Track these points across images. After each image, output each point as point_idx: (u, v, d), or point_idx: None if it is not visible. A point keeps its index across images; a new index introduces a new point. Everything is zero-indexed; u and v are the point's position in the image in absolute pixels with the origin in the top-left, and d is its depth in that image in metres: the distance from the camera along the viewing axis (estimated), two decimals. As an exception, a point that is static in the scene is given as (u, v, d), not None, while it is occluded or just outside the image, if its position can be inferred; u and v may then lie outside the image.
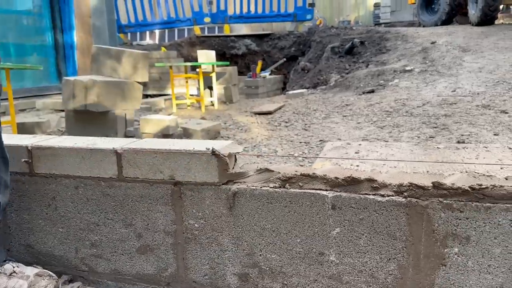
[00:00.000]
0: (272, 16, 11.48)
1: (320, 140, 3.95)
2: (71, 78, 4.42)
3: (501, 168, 2.44)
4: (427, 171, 2.42)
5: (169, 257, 1.25)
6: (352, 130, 4.27)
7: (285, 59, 10.53)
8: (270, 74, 9.94)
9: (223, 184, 1.14)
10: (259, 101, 7.71)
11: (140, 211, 1.24)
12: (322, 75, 8.15)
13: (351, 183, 1.09)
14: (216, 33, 12.95)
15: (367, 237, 1.07)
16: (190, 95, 7.24)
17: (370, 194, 1.06)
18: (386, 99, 5.22)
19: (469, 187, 0.98)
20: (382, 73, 6.30)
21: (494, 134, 3.45)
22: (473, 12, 8.17)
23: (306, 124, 4.79)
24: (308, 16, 11.16)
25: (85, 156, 1.26)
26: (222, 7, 11.56)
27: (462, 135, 3.48)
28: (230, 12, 11.77)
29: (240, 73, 10.78)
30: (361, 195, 1.06)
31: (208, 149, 1.14)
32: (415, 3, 10.01)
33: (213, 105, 6.90)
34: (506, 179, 1.05)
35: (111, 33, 9.42)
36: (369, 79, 6.33)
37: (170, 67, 6.68)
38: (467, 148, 2.97)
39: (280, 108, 6.01)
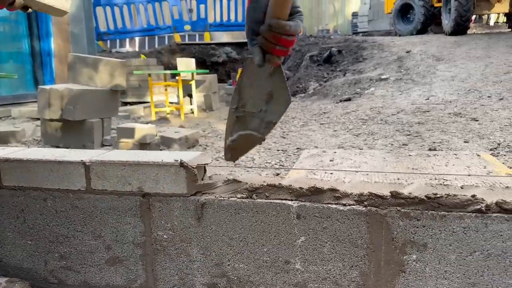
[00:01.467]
0: (252, 24, 11.55)
1: (297, 148, 4.00)
2: (47, 87, 4.36)
3: (469, 176, 2.52)
4: (397, 178, 2.48)
5: (138, 269, 1.26)
6: (329, 137, 4.34)
7: (265, 67, 10.60)
8: (250, 82, 10.00)
9: (191, 195, 1.16)
10: (239, 108, 7.74)
11: (109, 223, 1.25)
12: (301, 83, 8.26)
13: (315, 193, 1.12)
14: (197, 41, 12.97)
15: (331, 245, 1.10)
16: (170, 102, 7.22)
17: (332, 204, 1.09)
18: (362, 107, 5.32)
19: (425, 196, 1.02)
20: (359, 81, 6.43)
21: (465, 141, 3.56)
22: (447, 22, 8.43)
23: (284, 132, 4.84)
24: (288, 25, 11.29)
25: (53, 169, 1.27)
26: (202, 15, 11.61)
27: (434, 142, 3.58)
28: (211, 20, 11.83)
29: (221, 80, 10.82)
30: (324, 205, 1.09)
31: (177, 161, 1.15)
32: (391, 13, 10.26)
33: (192, 112, 6.90)
34: (462, 187, 1.10)
35: (89, 41, 9.33)
36: (346, 87, 6.44)
37: (149, 75, 6.65)
38: (437, 155, 3.06)
39: (259, 116, 6.06)
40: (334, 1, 15.97)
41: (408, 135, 3.92)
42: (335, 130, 4.60)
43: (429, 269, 1.04)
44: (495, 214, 0.99)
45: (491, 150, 3.30)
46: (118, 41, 14.81)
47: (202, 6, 11.48)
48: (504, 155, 3.16)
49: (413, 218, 1.03)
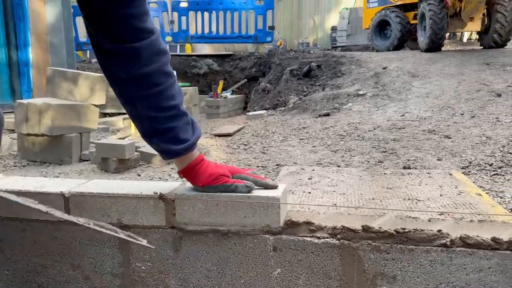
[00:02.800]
0: (234, 38, 11.68)
1: (277, 164, 4.05)
2: (24, 101, 4.31)
3: (440, 196, 2.62)
4: (372, 198, 2.56)
5: (116, 299, 1.27)
6: (308, 153, 4.41)
7: (246, 79, 10.71)
8: (231, 94, 10.07)
9: (170, 227, 1.19)
10: (220, 121, 7.78)
11: (88, 254, 1.26)
12: (282, 97, 8.35)
13: (291, 226, 1.16)
14: (178, 52, 12.98)
15: (306, 277, 1.14)
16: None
17: (307, 236, 1.14)
18: (340, 122, 5.43)
19: (394, 230, 1.08)
20: (337, 96, 6.56)
21: (438, 159, 3.68)
22: (422, 39, 8.70)
23: (264, 147, 4.89)
24: (268, 39, 11.45)
25: (32, 199, 1.27)
26: (183, 27, 11.64)
27: (409, 160, 3.68)
28: (192, 32, 11.87)
29: (202, 92, 10.84)
30: (299, 237, 1.14)
31: (156, 193, 1.18)
32: (369, 28, 10.51)
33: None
34: (429, 220, 1.16)
35: (69, 51, 9.22)
36: (325, 102, 6.56)
37: (129, 88, 6.61)
38: (411, 174, 3.16)
39: (239, 130, 6.09)
40: (314, 15, 16.27)
41: (384, 152, 4.03)
42: (314, 146, 4.67)
43: (398, 300, 1.09)
44: (459, 248, 1.05)
45: (462, 168, 3.42)
46: (98, 50, 14.66)
47: (183, 18, 11.51)
48: (475, 174, 3.28)
49: (383, 251, 1.08)
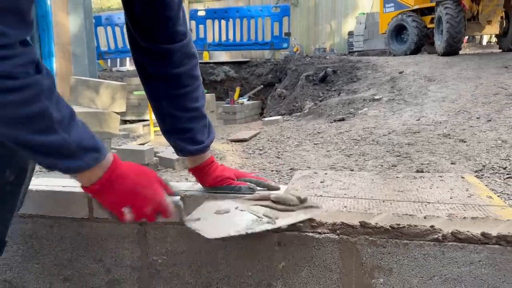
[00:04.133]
0: (250, 44, 11.84)
1: (291, 169, 4.13)
2: (49, 109, 4.52)
3: (450, 198, 2.65)
4: (383, 201, 2.62)
5: (135, 290, 1.38)
6: (322, 158, 4.48)
7: (262, 86, 10.83)
8: (248, 100, 10.20)
9: (183, 224, 1.29)
10: (236, 127, 7.91)
11: (109, 248, 1.38)
12: (297, 102, 8.43)
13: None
14: (196, 60, 13.20)
15: (308, 270, 1.23)
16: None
17: (309, 232, 1.22)
18: (355, 127, 5.48)
19: (390, 226, 1.15)
20: (353, 101, 6.60)
21: (451, 163, 3.70)
22: (439, 43, 8.66)
23: (279, 152, 4.98)
24: (284, 45, 11.58)
25: (59, 198, 1.40)
26: (201, 35, 11.87)
27: (422, 163, 3.72)
28: (209, 40, 12.09)
29: (219, 98, 11.02)
30: (302, 233, 1.22)
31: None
32: (385, 33, 10.52)
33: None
34: (425, 218, 1.23)
35: (90, 60, 9.53)
36: (340, 107, 6.61)
37: (149, 95, 6.81)
38: (423, 177, 3.18)
39: (255, 135, 6.20)
40: (331, 20, 16.33)
41: (398, 156, 4.06)
42: (328, 151, 4.74)
43: (394, 292, 1.17)
44: (450, 243, 1.12)
45: (476, 172, 3.43)
46: (118, 60, 15.08)
47: (201, 26, 11.74)
48: (488, 177, 3.30)
49: (380, 245, 1.16)
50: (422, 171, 3.45)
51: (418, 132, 4.77)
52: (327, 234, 1.21)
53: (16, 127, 0.78)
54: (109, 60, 13.91)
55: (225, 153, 5.12)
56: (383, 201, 2.68)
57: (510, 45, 8.49)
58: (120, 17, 12.04)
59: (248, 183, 1.29)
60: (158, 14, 1.13)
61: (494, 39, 10.49)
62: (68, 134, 0.84)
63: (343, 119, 6.10)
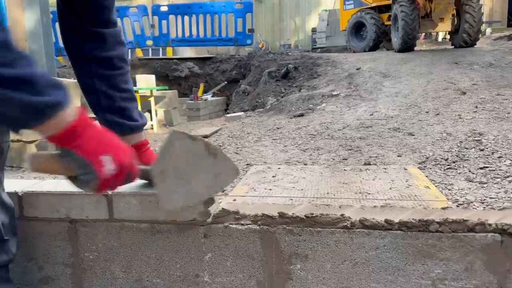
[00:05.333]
0: (214, 40, 11.82)
1: (247, 164, 4.21)
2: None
3: (390, 189, 2.80)
4: (327, 193, 2.73)
5: (68, 286, 1.41)
6: (279, 153, 4.58)
7: (226, 82, 10.86)
8: (212, 96, 10.20)
9: (112, 221, 1.33)
10: (200, 123, 7.91)
11: (41, 247, 1.40)
12: (260, 98, 8.52)
13: (222, 214, 1.32)
14: (160, 55, 13.08)
15: (233, 259, 1.30)
16: (129, 119, 7.30)
17: (233, 224, 1.29)
18: (313, 122, 5.62)
19: (304, 215, 1.24)
20: (312, 97, 6.75)
21: (398, 156, 3.88)
22: (395, 39, 8.96)
23: (238, 148, 5.04)
24: (248, 41, 11.63)
25: (-11, 199, 1.40)
26: (164, 31, 11.74)
27: (371, 157, 3.87)
28: (173, 35, 11.98)
29: (184, 95, 10.97)
30: (226, 225, 1.29)
31: (99, 190, 1.32)
32: (346, 30, 10.76)
33: (152, 128, 7.02)
34: (340, 207, 1.33)
35: (48, 57, 9.23)
36: (300, 103, 6.75)
37: (107, 92, 6.72)
38: (369, 170, 3.34)
39: (216, 131, 6.24)
40: (295, 17, 16.51)
41: (350, 150, 4.22)
42: (285, 146, 4.84)
43: (311, 276, 1.25)
44: (358, 230, 1.21)
45: (419, 163, 3.62)
46: (79, 55, 14.66)
47: (164, 22, 11.62)
48: (430, 168, 3.48)
49: (296, 234, 1.25)
50: (369, 164, 3.60)
51: (371, 127, 4.95)
52: (249, 226, 1.28)
53: None
54: (69, 56, 13.51)
55: (184, 150, 5.13)
56: (327, 193, 2.80)
57: (461, 41, 8.89)
58: (79, 12, 11.72)
59: None
60: (97, 2, 1.23)
61: (448, 36, 10.92)
62: (33, 69, 0.80)
63: (302, 115, 6.23)
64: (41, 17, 9.07)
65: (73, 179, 0.95)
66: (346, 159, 3.91)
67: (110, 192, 1.31)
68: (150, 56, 13.04)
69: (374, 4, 10.20)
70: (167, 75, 11.65)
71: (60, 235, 1.38)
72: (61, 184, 1.42)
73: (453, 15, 9.01)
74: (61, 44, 10.59)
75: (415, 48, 9.26)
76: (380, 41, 10.20)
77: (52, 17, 9.62)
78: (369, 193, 2.75)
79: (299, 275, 1.26)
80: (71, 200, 1.34)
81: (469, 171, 3.35)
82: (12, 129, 0.90)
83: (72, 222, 1.36)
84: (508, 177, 3.13)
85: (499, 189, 2.91)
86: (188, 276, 1.33)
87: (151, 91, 7.02)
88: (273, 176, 3.45)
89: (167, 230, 1.31)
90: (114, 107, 1.31)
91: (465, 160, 3.65)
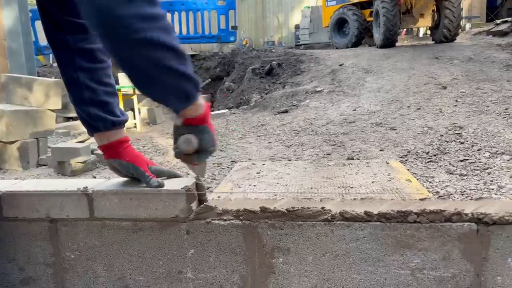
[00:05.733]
0: (197, 38, 11.76)
1: (232, 161, 4.21)
2: (-23, 108, 4.29)
3: (372, 182, 2.84)
4: (310, 187, 2.76)
5: (50, 286, 1.39)
6: (263, 149, 4.60)
7: (210, 79, 10.82)
8: (196, 94, 10.13)
9: (93, 220, 1.32)
10: (184, 121, 7.87)
11: (21, 247, 1.38)
12: (245, 95, 8.53)
13: (204, 210, 1.32)
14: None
15: (215, 255, 1.30)
16: (112, 118, 7.21)
17: (216, 219, 1.30)
18: (297, 118, 5.65)
19: (286, 209, 1.25)
20: (296, 94, 6.78)
21: (380, 150, 3.93)
22: (377, 35, 9.05)
23: (222, 145, 5.04)
24: (232, 38, 11.60)
25: (-34, 200, 1.38)
26: (146, 28, 11.63)
27: (354, 151, 3.92)
28: (155, 33, 11.87)
29: (167, 93, 10.88)
30: (208, 221, 1.30)
31: (79, 189, 1.31)
32: (328, 27, 10.83)
33: (135, 127, 6.95)
34: (321, 200, 1.34)
35: (28, 56, 9.08)
36: (284, 99, 6.77)
37: (89, 91, 6.63)
38: (352, 164, 3.38)
39: (201, 129, 6.22)
40: (278, 13, 16.53)
41: (333, 145, 4.26)
42: (270, 142, 4.86)
43: (293, 269, 1.27)
44: (339, 222, 1.23)
45: (401, 157, 3.68)
46: (60, 54, 14.42)
47: (146, 20, 11.50)
48: (411, 162, 3.55)
49: (278, 228, 1.26)
50: (352, 159, 3.64)
51: (353, 122, 5.01)
52: (232, 221, 1.29)
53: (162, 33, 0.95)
54: (50, 55, 13.31)
55: (168, 148, 5.11)
56: (311, 188, 2.82)
57: (442, 36, 9.04)
58: (59, 10, 11.51)
59: (157, 178, 1.32)
60: None
61: (429, 31, 11.09)
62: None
63: (286, 111, 6.26)
64: (20, 16, 8.89)
65: (190, 158, 1.22)
66: (329, 154, 3.94)
67: (90, 191, 1.30)
68: (133, 54, 12.89)
69: (356, 1, 10.27)
70: (150, 73, 11.53)
71: (40, 235, 1.36)
72: (41, 184, 1.40)
73: (433, 10, 9.14)
74: (41, 43, 10.39)
75: (397, 44, 9.37)
76: (362, 37, 10.30)
77: (31, 15, 9.44)
78: (352, 187, 2.79)
79: (282, 269, 1.27)
80: (51, 200, 1.32)
81: (450, 163, 3.42)
82: (174, 107, 1.11)
83: (52, 222, 1.34)
84: (487, 169, 3.21)
85: (479, 180, 2.98)
86: (171, 273, 1.33)
87: (134, 89, 6.95)
88: (257, 173, 3.47)
89: (149, 227, 1.31)
90: (96, 100, 1.29)
91: (446, 153, 3.72)
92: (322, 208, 1.24)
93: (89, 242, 1.34)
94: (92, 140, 5.75)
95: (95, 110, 1.30)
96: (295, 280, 1.27)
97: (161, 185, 1.31)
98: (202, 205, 1.31)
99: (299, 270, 1.27)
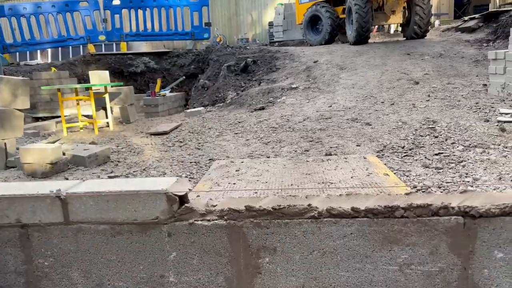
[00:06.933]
0: (170, 35, 11.56)
1: (210, 159, 4.15)
2: None
3: (351, 177, 2.85)
4: (291, 184, 2.74)
5: (22, 296, 1.31)
6: (241, 147, 4.55)
7: (184, 77, 10.67)
8: (170, 92, 9.98)
9: (68, 224, 1.25)
10: (158, 119, 7.72)
11: (-11, 256, 1.29)
12: (220, 93, 8.43)
13: (186, 211, 1.27)
14: (114, 51, 12.65)
15: (199, 257, 1.26)
16: (84, 115, 7.00)
17: (198, 220, 1.25)
18: (274, 115, 5.62)
19: (272, 208, 1.22)
20: (272, 90, 6.76)
21: (357, 145, 3.96)
22: (350, 32, 9.13)
23: (199, 143, 4.96)
24: (205, 35, 11.47)
25: None
26: (117, 25, 11.35)
27: (331, 147, 3.93)
28: (126, 30, 11.60)
29: (141, 91, 10.65)
30: (191, 222, 1.25)
31: (52, 191, 1.24)
32: (302, 24, 10.84)
33: (108, 126, 6.76)
34: (306, 197, 1.31)
35: (-8, 54, 8.71)
36: (261, 96, 6.74)
37: (58, 89, 6.41)
38: (330, 160, 3.39)
39: (176, 127, 6.11)
40: (252, 11, 16.46)
41: (311, 141, 4.25)
42: (247, 139, 4.82)
43: (280, 269, 1.24)
44: (326, 219, 1.21)
45: (378, 152, 3.71)
46: (28, 53, 13.91)
47: (116, 16, 11.21)
48: (388, 156, 3.58)
49: (264, 227, 1.22)
50: (330, 154, 3.65)
51: (330, 118, 5.03)
52: (216, 221, 1.24)
53: None
54: (17, 53, 12.82)
55: (143, 147, 4.99)
56: (291, 185, 2.81)
57: (412, 33, 9.21)
58: (25, 7, 11.09)
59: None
60: None
61: (400, 28, 11.29)
62: None
63: (263, 108, 6.22)
64: (-18, 12, 8.51)
65: None
66: (308, 151, 3.94)
67: (64, 194, 1.23)
68: (103, 51, 12.57)
69: (328, -2, 10.34)
70: (122, 71, 11.26)
71: (10, 242, 1.28)
72: (11, 187, 1.31)
73: (404, 7, 9.30)
74: (7, 40, 9.99)
75: (369, 41, 9.48)
76: (336, 34, 10.36)
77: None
78: (332, 183, 2.79)
79: (268, 269, 1.24)
80: (21, 204, 1.24)
81: (425, 157, 3.47)
82: None
83: (23, 227, 1.26)
84: (461, 162, 3.27)
85: (454, 173, 3.03)
86: (152, 277, 1.27)
87: (106, 87, 6.76)
88: (236, 170, 3.43)
89: (128, 230, 1.25)
90: None
91: (421, 147, 3.78)
92: (309, 205, 1.22)
93: (64, 248, 1.27)
94: (63, 140, 5.55)
95: None
96: (282, 280, 1.24)
97: None
98: (183, 206, 1.26)
99: (286, 269, 1.24)
